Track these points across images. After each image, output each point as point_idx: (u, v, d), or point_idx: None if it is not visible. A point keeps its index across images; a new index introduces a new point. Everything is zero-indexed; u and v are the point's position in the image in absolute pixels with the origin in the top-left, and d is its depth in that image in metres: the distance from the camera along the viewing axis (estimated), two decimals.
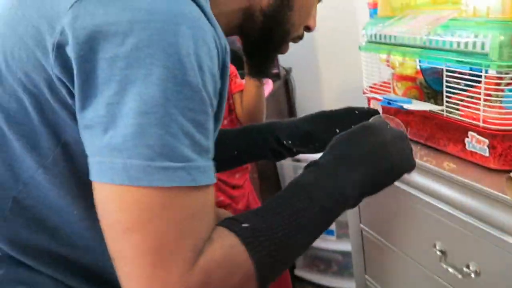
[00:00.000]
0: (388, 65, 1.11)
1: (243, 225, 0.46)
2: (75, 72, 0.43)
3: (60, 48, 0.44)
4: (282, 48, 0.68)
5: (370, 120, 0.64)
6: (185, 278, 0.41)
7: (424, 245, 1.04)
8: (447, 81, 0.85)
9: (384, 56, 1.11)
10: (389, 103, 0.91)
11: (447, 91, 0.86)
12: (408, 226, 1.08)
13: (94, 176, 0.44)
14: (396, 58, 1.08)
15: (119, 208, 0.42)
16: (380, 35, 0.99)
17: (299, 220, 0.48)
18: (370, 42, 1.04)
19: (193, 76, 0.43)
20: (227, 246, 0.44)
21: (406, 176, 1.01)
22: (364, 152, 0.56)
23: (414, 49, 0.94)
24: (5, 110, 0.49)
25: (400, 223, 1.11)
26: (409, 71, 1.09)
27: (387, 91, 1.08)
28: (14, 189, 0.51)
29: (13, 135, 0.49)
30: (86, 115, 0.44)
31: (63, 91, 0.46)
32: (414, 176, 1.00)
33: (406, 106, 0.88)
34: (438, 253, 1.00)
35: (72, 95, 0.45)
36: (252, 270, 0.44)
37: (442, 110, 0.89)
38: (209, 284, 0.42)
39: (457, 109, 0.86)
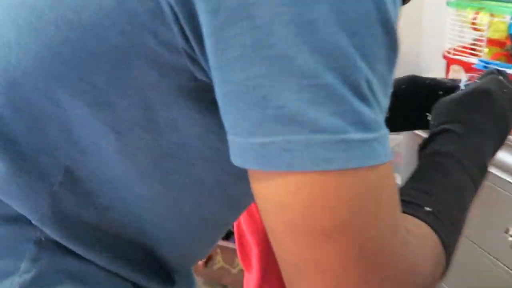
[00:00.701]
0: (475, 28, 1.00)
1: (426, 209, 0.41)
2: (201, 5, 0.31)
3: None
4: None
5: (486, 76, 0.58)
6: (405, 283, 0.34)
7: (494, 229, 0.95)
8: None
9: (470, 17, 1.01)
10: (485, 67, 0.81)
11: None
12: (474, 207, 0.99)
13: (254, 162, 0.31)
14: (485, 19, 0.97)
15: (309, 206, 0.31)
16: None
17: (462, 195, 0.45)
18: None
19: (389, 12, 0.31)
20: (426, 239, 0.39)
21: None
22: (492, 121, 0.53)
23: None
24: (73, 59, 0.36)
25: None
26: (497, 35, 0.99)
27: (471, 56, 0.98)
28: (68, 157, 0.41)
29: (79, 89, 0.38)
30: (230, 76, 0.31)
31: (175, 29, 0.33)
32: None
33: (510, 71, 0.77)
34: (511, 239, 0.91)
35: (186, 37, 0.33)
36: (444, 257, 0.41)
37: None
38: (422, 285, 0.36)
39: None
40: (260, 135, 0.31)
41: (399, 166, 1.17)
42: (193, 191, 0.44)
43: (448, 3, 0.96)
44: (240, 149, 0.32)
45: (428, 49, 1.56)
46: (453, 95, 0.55)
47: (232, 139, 0.33)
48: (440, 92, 0.62)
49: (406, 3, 0.54)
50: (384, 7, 0.30)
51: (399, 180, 0.97)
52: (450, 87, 0.62)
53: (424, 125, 0.63)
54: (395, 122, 0.67)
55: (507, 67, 0.81)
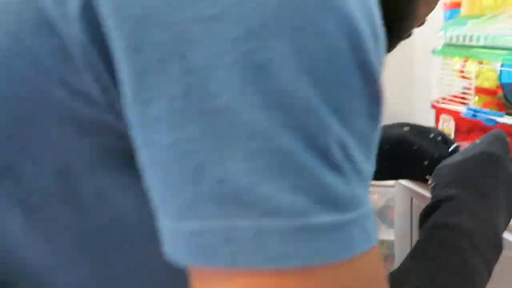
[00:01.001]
0: (463, 76, 0.98)
1: None
2: (120, 42, 0.24)
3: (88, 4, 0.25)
4: (395, 46, 0.52)
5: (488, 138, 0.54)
6: None
7: None
8: None
9: (458, 66, 0.99)
10: (474, 115, 0.77)
11: None
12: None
13: (186, 255, 0.24)
14: (473, 68, 0.95)
15: None
16: (465, 36, 0.86)
17: (475, 283, 0.39)
18: (449, 45, 0.90)
19: (369, 52, 0.24)
20: None
21: None
22: (504, 187, 0.48)
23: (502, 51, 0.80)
24: None
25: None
26: (487, 84, 0.96)
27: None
28: None
29: None
30: (155, 138, 0.24)
31: (88, 75, 0.26)
32: None
33: (501, 119, 0.73)
34: None
35: (104, 84, 0.26)
36: None
37: None
38: None
39: None
40: (193, 218, 0.23)
41: (392, 222, 1.10)
42: (135, 278, 0.36)
43: (434, 52, 0.94)
44: (170, 236, 0.25)
45: (417, 97, 1.54)
46: (456, 158, 0.49)
47: (160, 221, 0.25)
48: (426, 162, 0.57)
49: (393, 48, 0.48)
50: (363, 46, 0.24)
51: (392, 236, 0.90)
52: (437, 158, 0.57)
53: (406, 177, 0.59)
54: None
55: (498, 116, 0.77)
